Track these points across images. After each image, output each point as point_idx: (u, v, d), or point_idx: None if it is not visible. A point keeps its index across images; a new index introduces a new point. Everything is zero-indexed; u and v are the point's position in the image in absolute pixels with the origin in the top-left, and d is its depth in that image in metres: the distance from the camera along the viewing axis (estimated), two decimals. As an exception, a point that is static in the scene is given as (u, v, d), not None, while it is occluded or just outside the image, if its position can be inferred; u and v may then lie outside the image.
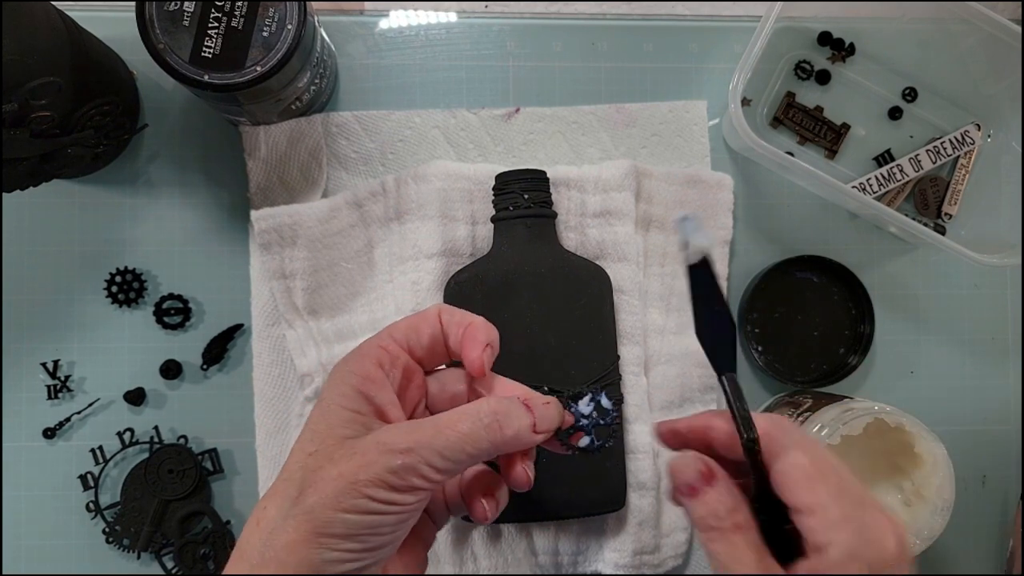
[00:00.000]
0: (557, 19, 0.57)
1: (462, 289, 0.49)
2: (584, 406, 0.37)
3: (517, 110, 0.56)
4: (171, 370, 0.53)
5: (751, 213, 0.57)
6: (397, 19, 0.56)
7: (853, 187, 0.57)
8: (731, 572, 0.32)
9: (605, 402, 0.37)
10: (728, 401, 0.34)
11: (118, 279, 0.53)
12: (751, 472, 0.33)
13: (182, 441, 0.53)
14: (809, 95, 0.58)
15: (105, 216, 0.54)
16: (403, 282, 0.52)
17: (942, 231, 0.58)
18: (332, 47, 0.55)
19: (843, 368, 0.56)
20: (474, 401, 0.35)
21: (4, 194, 0.48)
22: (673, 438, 0.37)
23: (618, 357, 0.50)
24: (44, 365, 0.53)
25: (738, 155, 0.57)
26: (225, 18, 0.44)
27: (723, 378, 0.35)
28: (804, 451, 0.33)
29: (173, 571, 0.52)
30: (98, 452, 0.53)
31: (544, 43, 0.57)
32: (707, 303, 0.36)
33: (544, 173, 0.50)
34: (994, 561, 0.57)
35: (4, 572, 0.52)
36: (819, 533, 0.31)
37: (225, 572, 0.33)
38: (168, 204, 0.54)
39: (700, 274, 0.36)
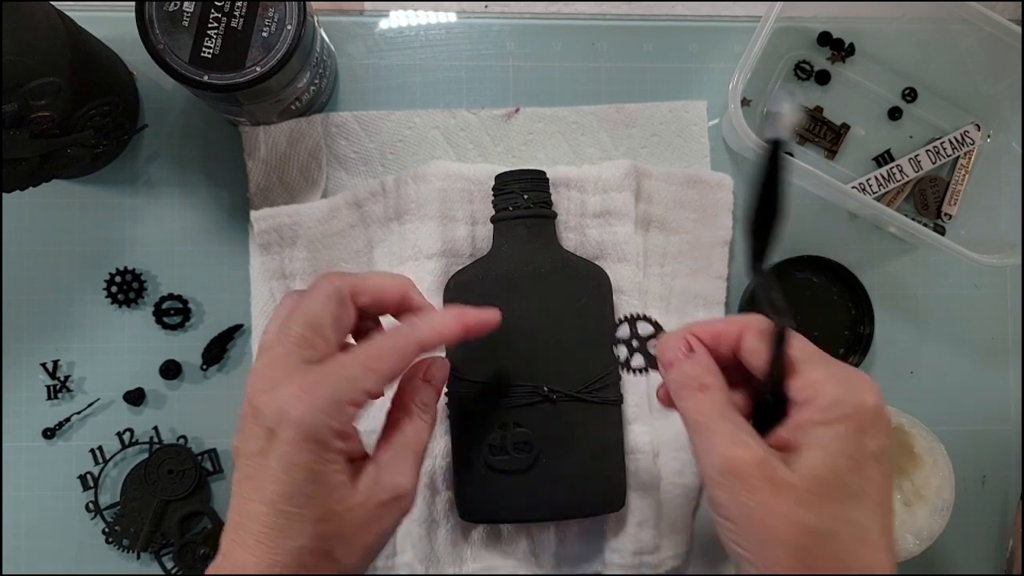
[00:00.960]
0: (557, 19, 0.57)
1: (461, 289, 0.49)
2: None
3: (517, 110, 0.56)
4: (171, 370, 0.53)
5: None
6: (397, 19, 0.56)
7: (853, 187, 0.57)
8: (695, 425, 0.36)
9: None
10: (762, 291, 0.36)
11: (118, 279, 0.53)
12: (772, 359, 0.35)
13: (182, 441, 0.53)
14: (809, 95, 0.58)
15: (105, 216, 0.54)
16: (403, 282, 0.52)
17: (942, 231, 0.58)
18: (332, 47, 0.55)
19: (843, 368, 0.56)
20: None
21: (4, 194, 0.48)
22: (705, 337, 0.39)
23: (618, 357, 0.50)
24: (44, 365, 0.53)
25: (738, 155, 0.57)
26: (225, 18, 0.44)
27: (757, 268, 0.36)
28: (805, 342, 0.37)
29: (173, 571, 0.52)
30: (98, 452, 0.53)
31: (544, 43, 0.57)
32: (769, 184, 0.35)
33: (544, 173, 0.50)
34: (994, 561, 0.57)
35: (4, 572, 0.52)
36: (811, 389, 0.34)
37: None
38: (168, 204, 0.54)
39: (775, 150, 0.35)
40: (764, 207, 0.35)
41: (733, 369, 0.38)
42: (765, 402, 0.36)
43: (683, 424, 0.37)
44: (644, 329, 0.42)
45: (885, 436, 0.34)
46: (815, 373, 0.35)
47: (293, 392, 0.34)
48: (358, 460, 0.38)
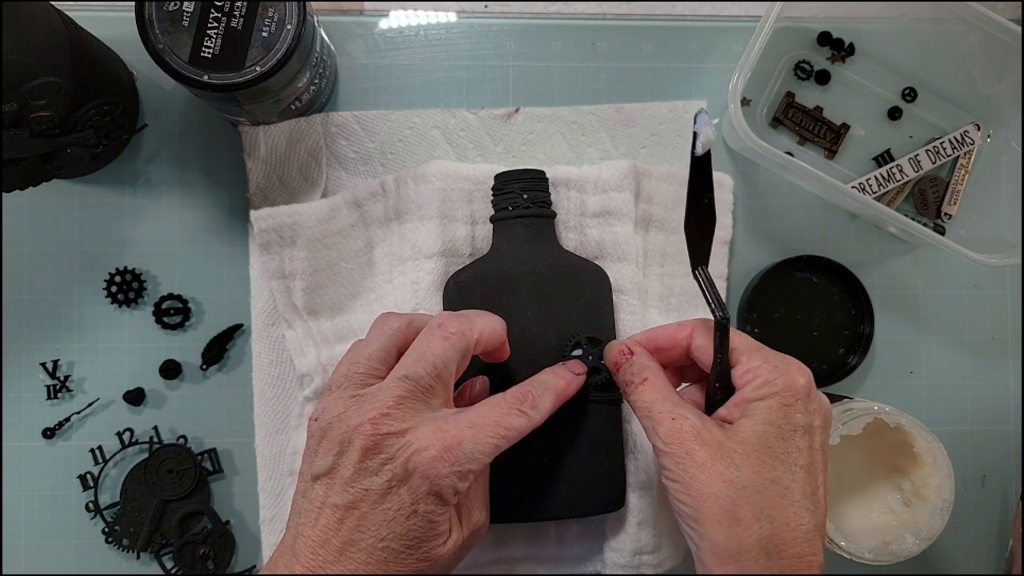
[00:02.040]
0: (557, 19, 0.57)
1: (461, 289, 0.49)
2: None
3: (517, 110, 0.56)
4: (171, 370, 0.53)
5: (751, 213, 0.57)
6: (397, 19, 0.56)
7: (853, 187, 0.57)
8: (643, 411, 0.41)
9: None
10: (703, 289, 0.40)
11: (118, 279, 0.53)
12: (716, 349, 0.40)
13: (181, 441, 0.53)
14: (809, 95, 0.58)
15: (105, 216, 0.54)
16: (403, 282, 0.52)
17: (942, 231, 0.58)
18: (332, 47, 0.55)
19: (843, 368, 0.56)
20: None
21: (4, 194, 0.48)
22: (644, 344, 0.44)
23: None
24: (44, 365, 0.53)
25: (738, 155, 0.57)
26: (224, 18, 0.44)
27: (698, 270, 0.41)
28: (744, 336, 0.42)
29: (172, 571, 0.52)
30: (98, 452, 0.53)
31: (544, 43, 0.57)
32: (699, 196, 0.41)
33: (543, 173, 0.50)
34: (994, 561, 0.57)
35: (4, 572, 0.52)
36: (749, 374, 0.40)
37: None
38: (168, 204, 0.54)
39: (701, 166, 0.40)
40: (698, 214, 0.41)
41: (688, 368, 0.45)
42: (715, 390, 0.41)
43: (635, 414, 0.43)
44: (594, 345, 0.47)
45: (815, 412, 0.39)
46: (753, 361, 0.40)
47: (434, 453, 0.36)
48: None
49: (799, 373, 0.39)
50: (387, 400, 0.37)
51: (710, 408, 0.42)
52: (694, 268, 0.41)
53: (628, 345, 0.44)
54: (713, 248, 0.54)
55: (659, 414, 0.40)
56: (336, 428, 0.38)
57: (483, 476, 0.42)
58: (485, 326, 0.42)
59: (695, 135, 0.40)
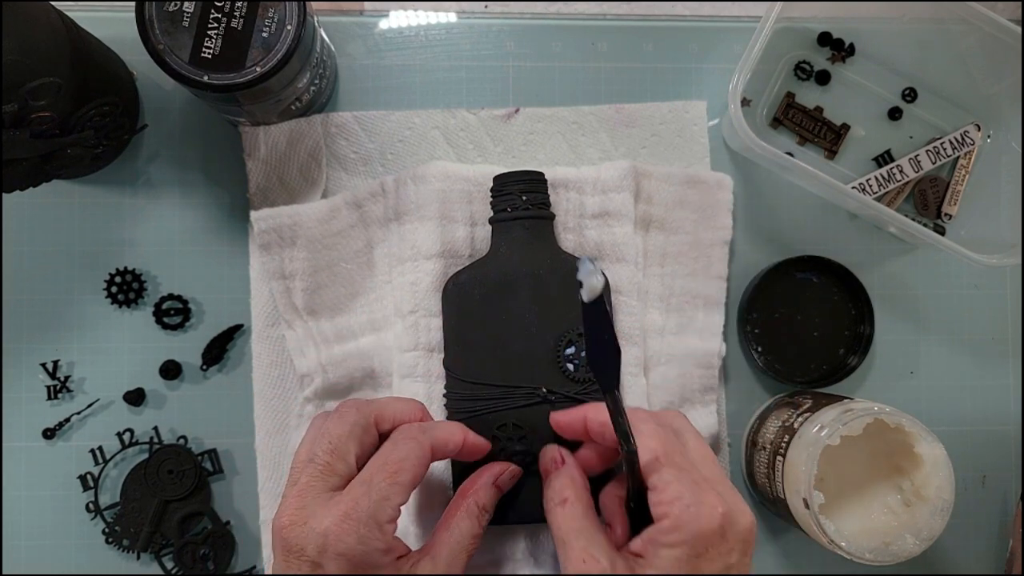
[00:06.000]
0: (557, 19, 0.57)
1: (460, 291, 0.49)
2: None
3: (517, 110, 0.56)
4: (171, 370, 0.53)
5: (751, 213, 0.57)
6: (397, 19, 0.56)
7: (853, 187, 0.57)
8: (556, 539, 0.41)
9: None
10: (612, 417, 0.38)
11: (118, 279, 0.53)
12: (628, 475, 0.39)
13: (182, 441, 0.53)
14: (809, 95, 0.58)
15: (105, 216, 0.54)
16: (401, 283, 0.52)
17: (942, 231, 0.58)
18: (332, 47, 0.55)
19: (843, 368, 0.56)
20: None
21: (4, 194, 0.48)
22: (560, 427, 0.45)
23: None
24: (44, 365, 0.53)
25: (738, 155, 0.57)
26: (225, 19, 0.44)
27: (607, 396, 0.38)
28: (658, 439, 0.39)
29: (173, 571, 0.52)
30: (98, 452, 0.53)
31: (544, 43, 0.57)
32: (598, 333, 0.39)
33: (541, 174, 0.50)
34: (994, 561, 0.57)
35: (4, 572, 0.52)
36: (661, 507, 0.38)
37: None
38: (168, 204, 0.54)
39: (594, 310, 0.38)
40: (601, 350, 0.38)
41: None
42: (631, 511, 0.41)
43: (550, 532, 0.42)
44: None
45: (731, 550, 0.37)
46: (666, 492, 0.38)
47: (332, 525, 0.37)
48: (404, 555, 0.41)
49: (711, 511, 0.37)
50: (288, 495, 0.40)
51: (635, 525, 0.41)
52: (604, 392, 0.39)
53: (561, 453, 0.44)
54: (713, 248, 0.55)
55: (572, 549, 0.39)
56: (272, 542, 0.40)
57: (464, 539, 0.43)
58: (389, 404, 0.43)
59: (580, 283, 0.37)
